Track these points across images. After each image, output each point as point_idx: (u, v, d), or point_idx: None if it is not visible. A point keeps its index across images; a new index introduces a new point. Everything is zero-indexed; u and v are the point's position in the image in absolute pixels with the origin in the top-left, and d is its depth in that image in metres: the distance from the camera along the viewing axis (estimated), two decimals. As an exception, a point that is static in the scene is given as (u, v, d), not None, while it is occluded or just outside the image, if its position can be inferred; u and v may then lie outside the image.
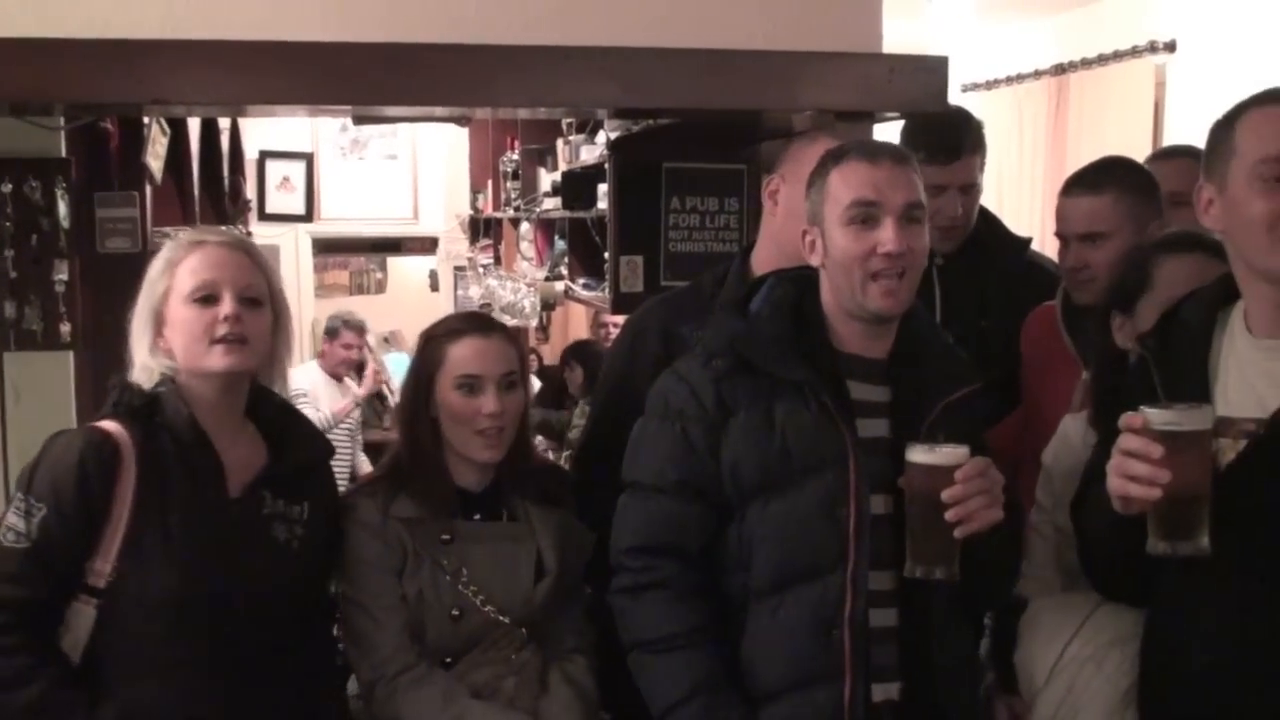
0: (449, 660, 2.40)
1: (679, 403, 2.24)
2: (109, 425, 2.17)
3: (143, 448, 2.15)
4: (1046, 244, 3.57)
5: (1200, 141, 3.37)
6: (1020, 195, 6.69)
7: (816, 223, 2.23)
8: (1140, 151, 5.00)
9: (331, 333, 7.06)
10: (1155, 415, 1.86)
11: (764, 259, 2.65)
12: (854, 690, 2.12)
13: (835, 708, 2.12)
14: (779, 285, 2.29)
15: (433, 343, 2.50)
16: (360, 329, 7.07)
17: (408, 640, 2.37)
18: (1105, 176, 2.82)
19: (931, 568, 2.03)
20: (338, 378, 7.01)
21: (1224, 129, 2.01)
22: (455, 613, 2.38)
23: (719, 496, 2.20)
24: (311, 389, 6.68)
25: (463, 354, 2.46)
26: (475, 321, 2.55)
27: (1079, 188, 2.83)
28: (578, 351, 7.29)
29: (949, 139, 3.16)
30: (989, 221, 3.35)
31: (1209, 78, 5.34)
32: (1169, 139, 5.43)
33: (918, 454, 2.03)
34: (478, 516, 2.48)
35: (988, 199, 3.39)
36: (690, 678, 2.16)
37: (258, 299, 2.25)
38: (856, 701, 2.12)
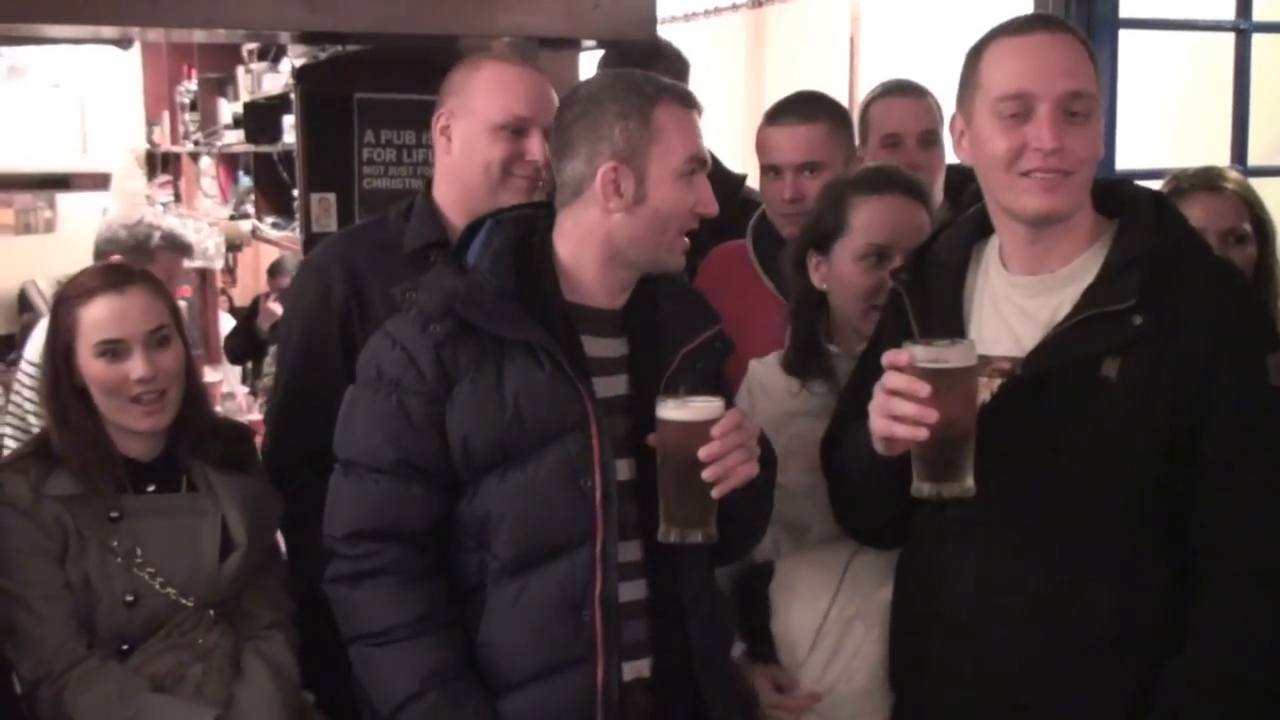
0: (126, 648, 2.17)
1: (394, 371, 2.02)
2: None
3: None
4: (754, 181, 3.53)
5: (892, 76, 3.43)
6: (719, 131, 6.69)
7: (632, 161, 1.99)
8: (837, 87, 5.10)
9: None
10: (921, 352, 1.79)
11: (448, 197, 2.49)
12: (607, 672, 1.98)
13: (585, 692, 1.98)
14: (498, 231, 2.09)
15: (64, 306, 2.23)
16: None
17: (75, 631, 2.14)
18: (817, 107, 2.76)
19: (688, 531, 1.89)
20: None
21: (973, 60, 1.94)
22: (129, 598, 2.15)
23: (444, 474, 2.01)
24: None
25: (98, 316, 2.19)
26: (109, 276, 2.25)
27: (791, 116, 2.74)
28: None
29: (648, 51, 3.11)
30: (705, 157, 3.27)
31: (903, 13, 5.43)
32: (864, 75, 5.51)
33: (669, 409, 1.88)
34: (151, 489, 2.25)
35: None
36: (421, 669, 1.97)
37: None
38: (610, 684, 1.98)
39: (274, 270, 6.57)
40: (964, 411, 1.78)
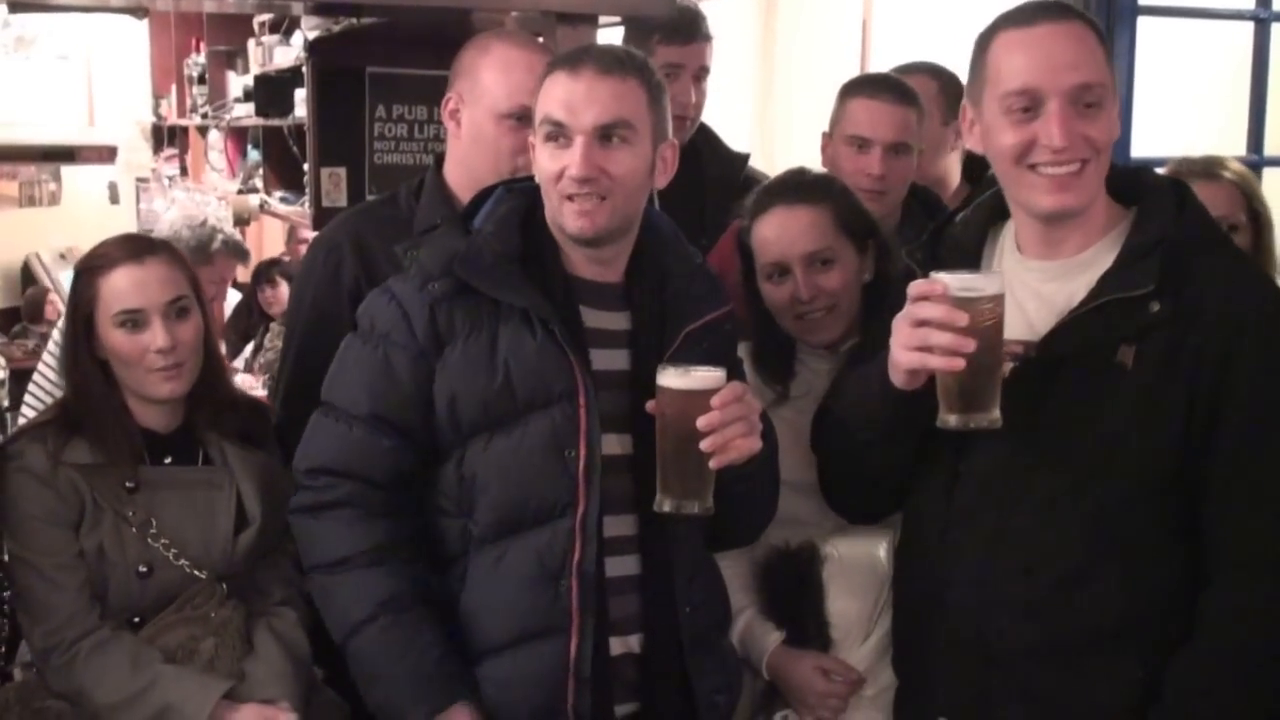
0: (137, 620, 2.17)
1: (386, 325, 2.03)
2: None
3: None
4: (760, 160, 3.51)
5: (905, 60, 3.40)
6: (728, 112, 6.66)
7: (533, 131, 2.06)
8: (849, 69, 5.06)
9: None
10: (953, 281, 1.76)
11: (458, 180, 2.47)
12: (580, 645, 1.98)
13: (560, 663, 1.98)
14: (506, 198, 2.10)
15: (85, 276, 2.22)
16: None
17: (88, 601, 2.13)
18: (910, 92, 2.72)
19: (683, 501, 1.87)
20: None
21: (980, 49, 1.92)
22: (143, 569, 2.15)
23: (418, 433, 2.02)
24: None
25: (118, 286, 2.18)
26: (129, 246, 2.24)
27: (890, 95, 2.70)
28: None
29: (687, 16, 3.06)
30: (708, 136, 3.25)
31: (915, -2, 5.41)
32: (875, 59, 5.48)
33: (669, 377, 1.87)
34: (168, 460, 2.24)
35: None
36: (375, 596, 1.98)
37: None
38: (583, 657, 1.98)
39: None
40: (996, 340, 1.76)
